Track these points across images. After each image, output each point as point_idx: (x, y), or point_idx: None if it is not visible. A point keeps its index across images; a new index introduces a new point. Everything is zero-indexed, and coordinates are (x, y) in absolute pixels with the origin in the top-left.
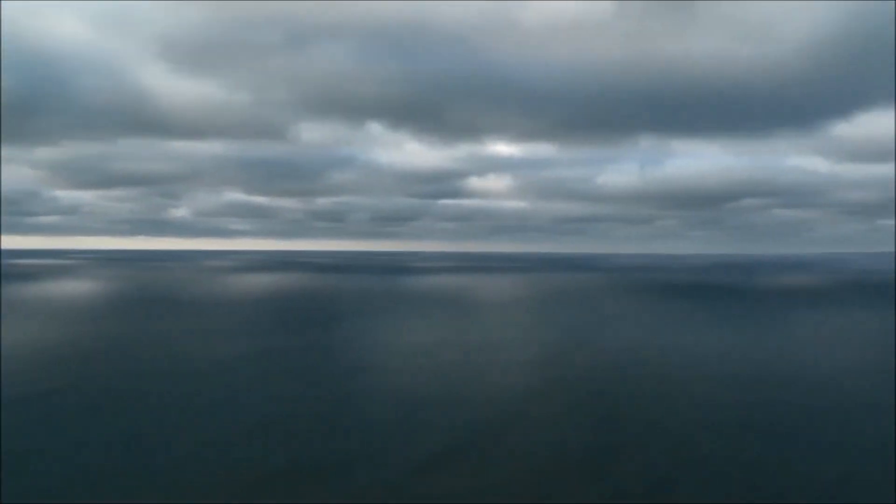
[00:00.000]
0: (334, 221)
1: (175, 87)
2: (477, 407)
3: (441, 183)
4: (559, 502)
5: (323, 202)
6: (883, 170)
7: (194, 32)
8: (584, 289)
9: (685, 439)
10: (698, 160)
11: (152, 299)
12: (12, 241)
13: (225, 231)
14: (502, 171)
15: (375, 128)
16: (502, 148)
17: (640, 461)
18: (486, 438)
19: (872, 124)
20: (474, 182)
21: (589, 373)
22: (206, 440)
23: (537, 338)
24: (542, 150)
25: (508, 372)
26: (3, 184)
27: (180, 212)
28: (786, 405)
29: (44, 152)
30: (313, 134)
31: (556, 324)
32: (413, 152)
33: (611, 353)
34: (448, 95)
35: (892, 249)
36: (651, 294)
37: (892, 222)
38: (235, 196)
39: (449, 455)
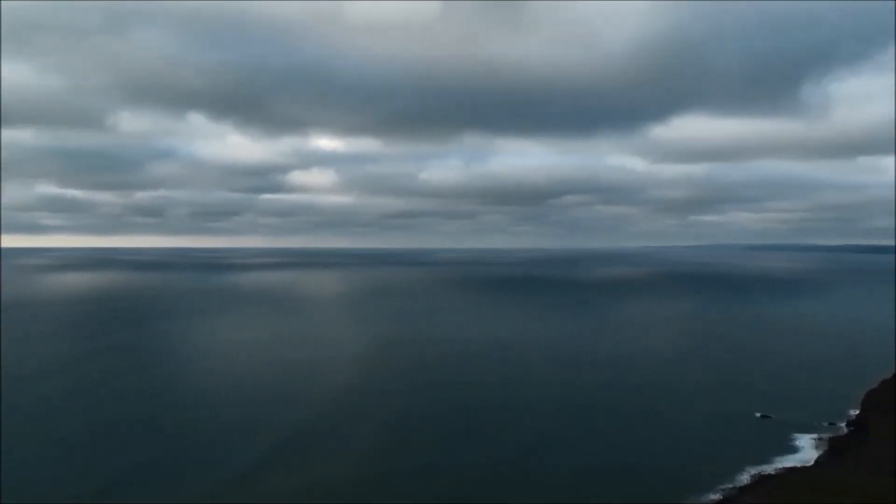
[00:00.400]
0: (154, 216)
1: None
2: (305, 404)
3: (264, 177)
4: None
5: (142, 196)
6: (695, 169)
7: (5, 11)
8: (409, 283)
9: (516, 420)
10: (523, 158)
11: None
12: None
13: (37, 227)
14: (326, 166)
15: (197, 119)
16: (326, 142)
17: (470, 449)
18: (315, 435)
19: (686, 128)
20: (298, 176)
21: (417, 366)
22: (24, 452)
23: (363, 333)
24: (367, 145)
25: (335, 368)
26: None
27: None
28: (607, 385)
29: None
30: (132, 124)
31: (382, 318)
32: (236, 145)
33: (439, 344)
34: (272, 87)
35: (704, 243)
36: (476, 287)
37: (704, 218)
38: (48, 189)
39: (279, 454)
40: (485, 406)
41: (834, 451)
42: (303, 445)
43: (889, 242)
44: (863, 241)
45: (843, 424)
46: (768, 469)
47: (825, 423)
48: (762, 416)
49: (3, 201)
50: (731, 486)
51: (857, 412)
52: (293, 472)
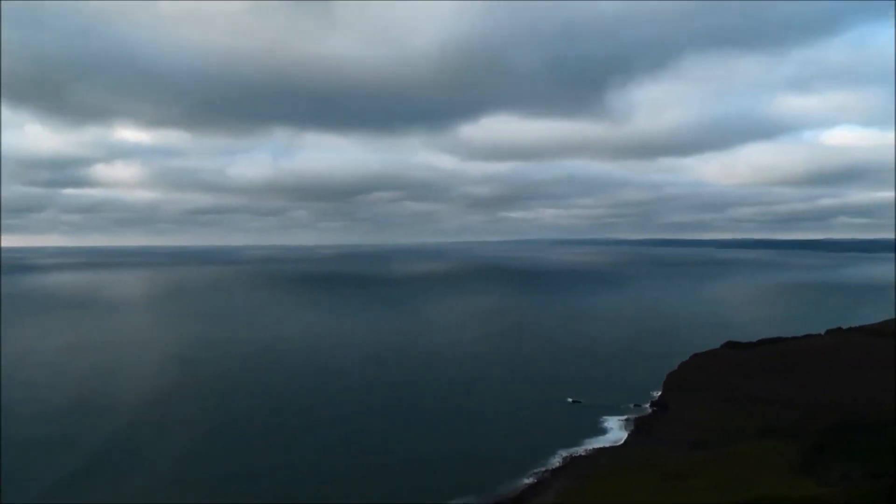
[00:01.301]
0: None
1: None
2: (108, 415)
3: (65, 170)
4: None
5: None
6: (503, 167)
7: None
8: (216, 282)
9: (328, 420)
10: (332, 154)
11: None
12: None
13: None
14: (131, 159)
15: None
16: (132, 134)
17: (277, 451)
18: (121, 448)
19: (495, 127)
20: (101, 170)
21: (223, 369)
22: None
23: (167, 337)
24: (174, 138)
25: (138, 374)
26: None
27: None
28: (421, 380)
29: None
30: None
31: (187, 320)
32: (35, 135)
33: (249, 345)
34: (73, 74)
35: (512, 238)
36: (284, 285)
37: (512, 214)
38: None
39: (88, 470)
40: (294, 406)
41: (639, 430)
42: (111, 459)
43: (685, 236)
44: (661, 236)
45: (648, 405)
46: (579, 451)
47: (631, 405)
48: (573, 402)
49: None
50: (543, 469)
51: (660, 393)
52: (102, 487)
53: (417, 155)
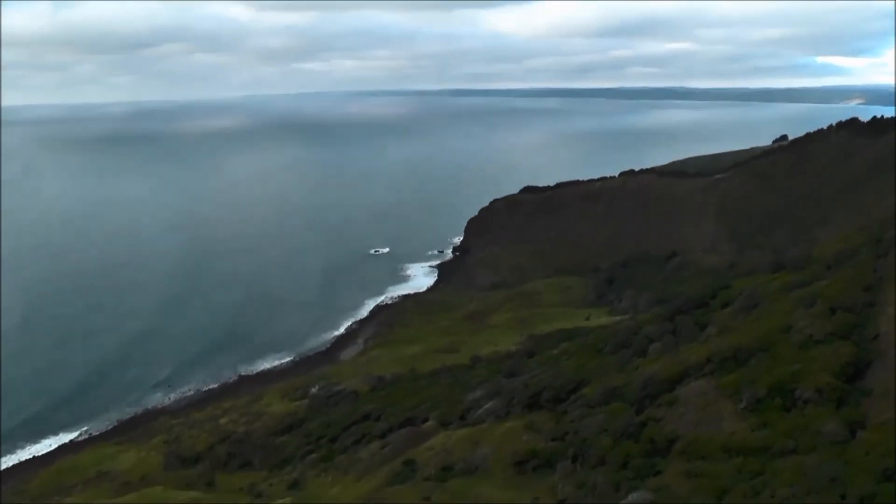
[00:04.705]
0: None
1: None
2: None
3: None
4: None
5: None
6: (299, 18)
7: None
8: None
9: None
10: (117, 2)
11: None
12: None
13: None
14: None
15: None
16: None
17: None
18: None
19: None
20: None
21: (15, 245)
22: None
23: None
24: None
25: None
26: None
27: None
28: (219, 241)
29: None
30: None
31: None
32: None
33: (36, 215)
34: None
35: (307, 91)
36: (73, 147)
37: (306, 66)
38: None
39: None
40: (95, 275)
41: (442, 275)
42: None
43: (483, 86)
44: (459, 86)
45: (449, 251)
46: (385, 299)
47: (434, 252)
48: (375, 253)
49: None
50: (352, 321)
51: (461, 239)
52: None
53: (208, 5)
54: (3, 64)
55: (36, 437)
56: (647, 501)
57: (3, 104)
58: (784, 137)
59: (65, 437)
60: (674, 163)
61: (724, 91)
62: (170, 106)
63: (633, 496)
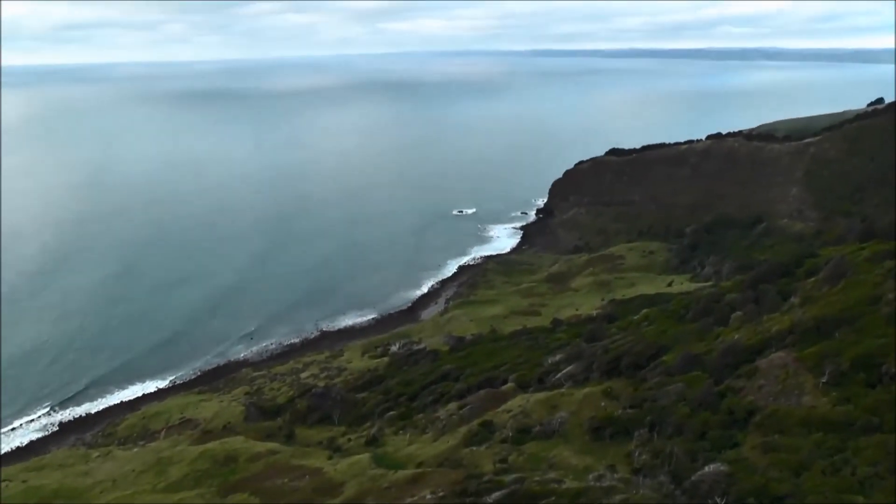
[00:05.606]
0: None
1: None
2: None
3: None
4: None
5: None
6: None
7: None
8: (92, 102)
9: (234, 239)
10: None
11: None
12: None
13: None
14: None
15: None
16: None
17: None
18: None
19: None
20: None
21: (103, 193)
22: None
23: (53, 161)
24: None
25: (44, 200)
26: None
27: None
28: (310, 197)
29: None
30: None
31: (67, 143)
32: None
33: (136, 168)
34: None
35: (393, 51)
36: (165, 103)
37: (392, 25)
38: None
39: None
40: (200, 226)
41: (525, 236)
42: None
43: (571, 47)
44: (547, 46)
45: (533, 213)
46: (468, 260)
47: (518, 213)
48: (460, 213)
49: None
50: (434, 280)
51: (545, 201)
52: None
53: None
54: (98, 23)
55: (124, 383)
56: (723, 473)
57: (98, 61)
58: (880, 100)
59: (151, 385)
60: (763, 125)
61: (817, 52)
62: (258, 64)
63: (709, 468)
